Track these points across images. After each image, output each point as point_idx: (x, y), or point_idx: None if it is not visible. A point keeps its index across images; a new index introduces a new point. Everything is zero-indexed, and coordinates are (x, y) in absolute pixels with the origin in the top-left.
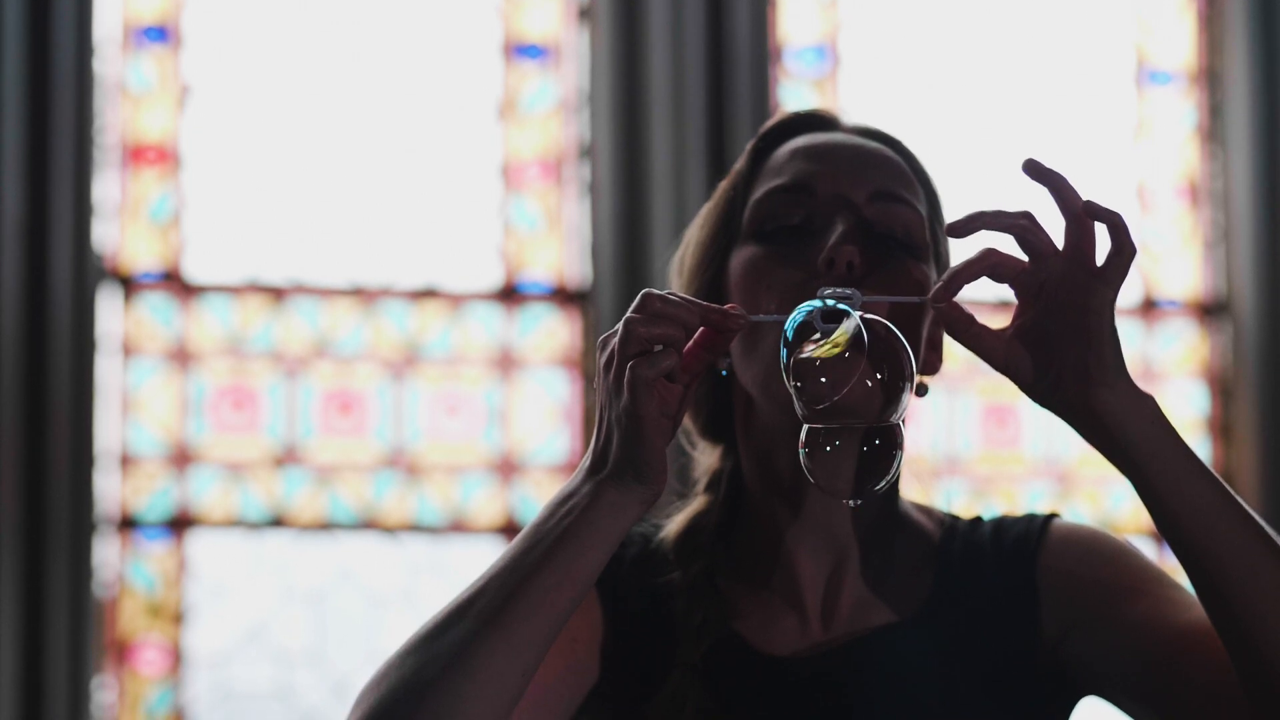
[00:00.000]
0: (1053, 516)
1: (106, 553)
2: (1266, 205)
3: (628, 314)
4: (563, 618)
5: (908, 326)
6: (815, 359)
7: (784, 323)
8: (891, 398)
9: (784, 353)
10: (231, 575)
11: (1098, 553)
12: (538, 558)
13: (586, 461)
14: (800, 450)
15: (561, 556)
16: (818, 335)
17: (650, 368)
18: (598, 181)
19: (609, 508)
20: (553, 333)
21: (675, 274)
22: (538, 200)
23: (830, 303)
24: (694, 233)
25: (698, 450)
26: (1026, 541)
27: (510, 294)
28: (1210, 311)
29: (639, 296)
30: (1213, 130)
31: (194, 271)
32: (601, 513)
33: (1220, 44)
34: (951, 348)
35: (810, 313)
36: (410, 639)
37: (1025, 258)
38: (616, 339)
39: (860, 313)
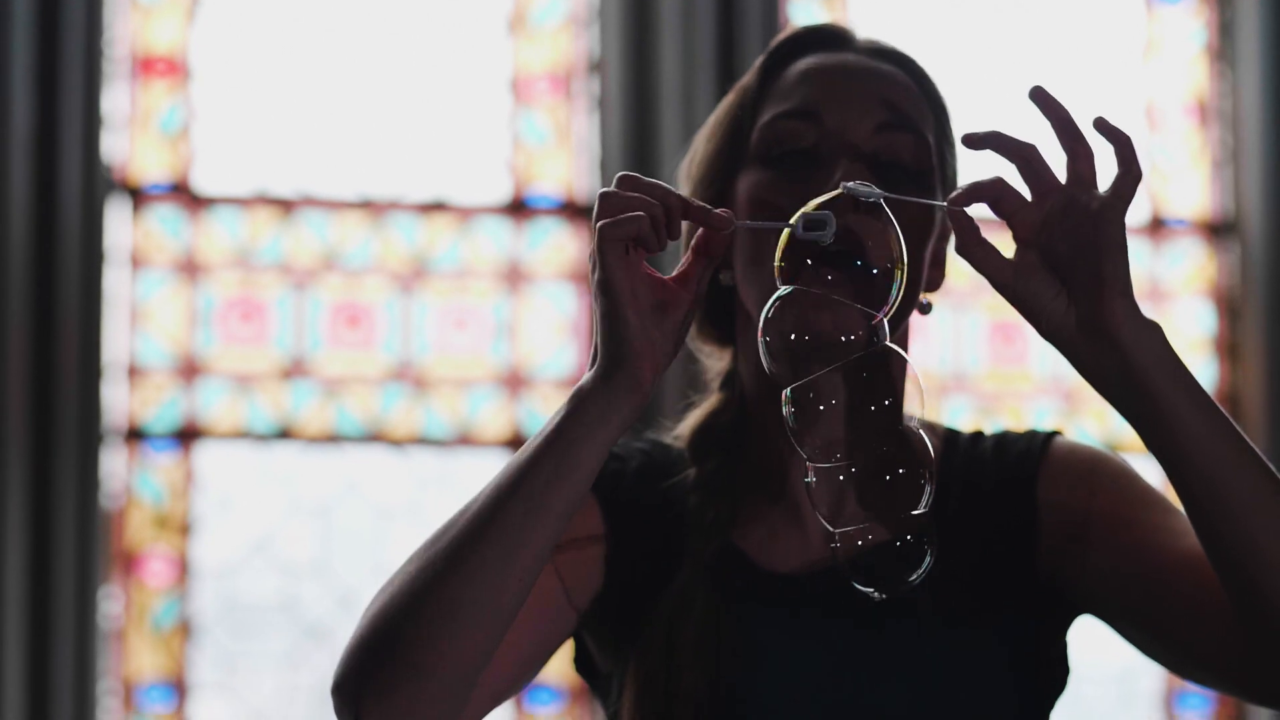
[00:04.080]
0: (1054, 434)
1: (114, 464)
2: (1275, 125)
3: (595, 218)
4: (560, 517)
5: (914, 247)
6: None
7: (777, 230)
8: (882, 298)
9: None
10: (238, 487)
11: (1099, 474)
12: (529, 458)
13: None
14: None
15: (551, 453)
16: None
17: (616, 227)
18: (607, 96)
19: (594, 402)
20: (561, 247)
21: (683, 179)
22: (547, 114)
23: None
24: (701, 144)
25: (704, 354)
26: (1028, 459)
27: (519, 208)
28: (1218, 231)
29: (599, 196)
30: (1222, 49)
31: (203, 183)
32: (588, 405)
33: None
34: (956, 265)
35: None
36: (417, 549)
37: (1027, 190)
38: (594, 247)
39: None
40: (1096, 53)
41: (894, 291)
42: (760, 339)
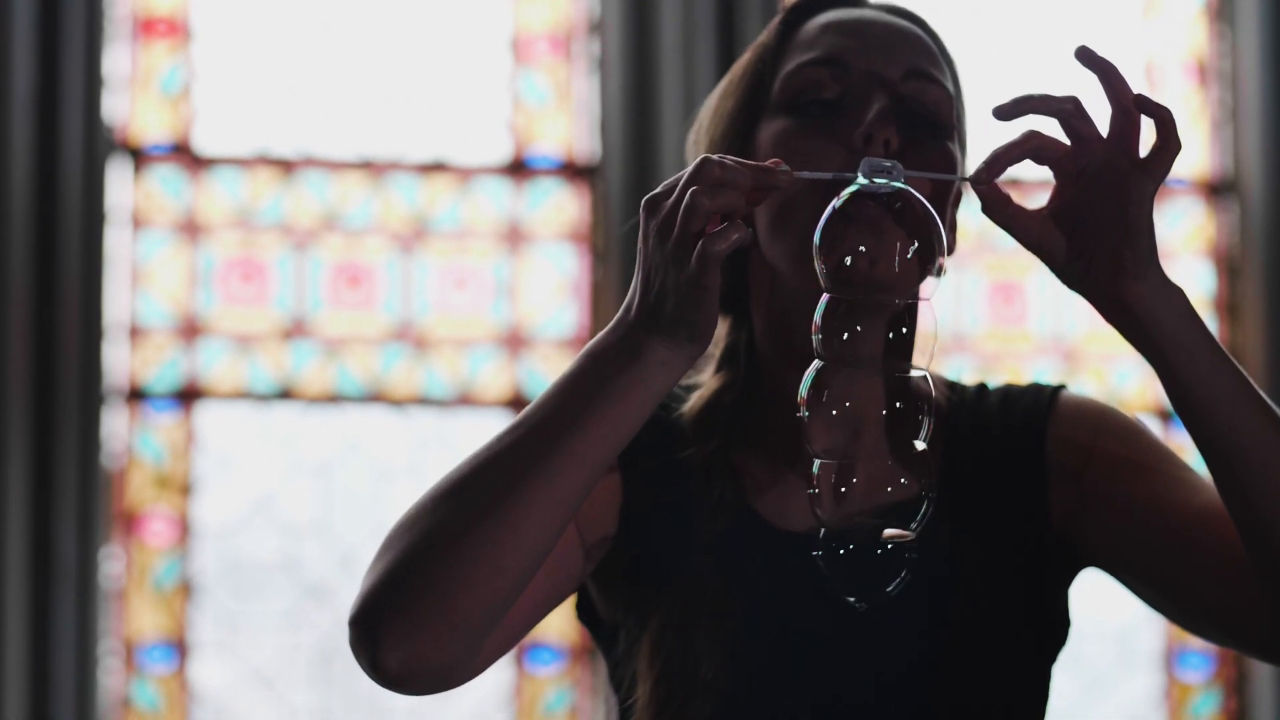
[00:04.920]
0: (1060, 388)
1: (115, 424)
2: (1274, 85)
3: (688, 183)
4: (602, 471)
5: (938, 207)
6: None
7: (825, 183)
8: (920, 274)
9: (821, 224)
10: (239, 447)
11: (1108, 428)
12: (583, 410)
13: (630, 316)
14: (814, 334)
15: (609, 410)
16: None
17: (722, 243)
18: (607, 56)
19: (659, 365)
20: (561, 207)
21: (693, 144)
22: (547, 75)
23: (874, 180)
24: (716, 104)
25: None
26: (1035, 414)
27: (519, 168)
28: (1217, 191)
29: (697, 162)
30: (1221, 9)
31: (204, 144)
32: (652, 369)
33: None
34: (959, 225)
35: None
36: (440, 486)
37: (1069, 142)
38: (680, 210)
39: (901, 185)
40: (1096, 12)
41: (938, 250)
42: (817, 256)
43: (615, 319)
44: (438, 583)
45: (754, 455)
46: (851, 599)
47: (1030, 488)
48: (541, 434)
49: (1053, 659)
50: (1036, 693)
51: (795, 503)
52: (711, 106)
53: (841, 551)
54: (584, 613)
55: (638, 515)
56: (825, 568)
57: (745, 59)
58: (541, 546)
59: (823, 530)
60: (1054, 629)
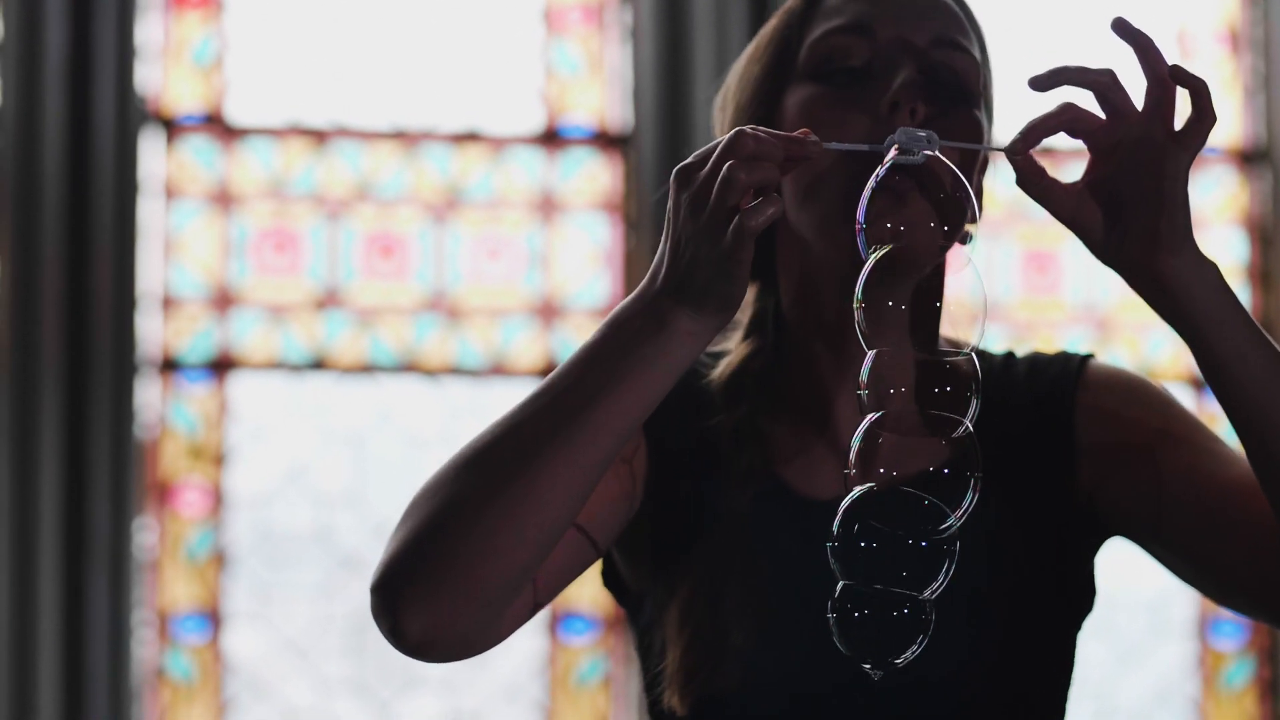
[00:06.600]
0: (1089, 357)
1: (148, 394)
2: None
3: (723, 155)
4: (623, 440)
5: (965, 175)
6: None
7: (858, 153)
8: (948, 245)
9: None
10: (272, 417)
11: (1137, 399)
12: (605, 379)
13: (656, 285)
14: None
15: (632, 379)
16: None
17: (759, 218)
18: (639, 25)
19: (684, 335)
20: (594, 177)
21: (720, 109)
22: (580, 44)
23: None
24: (743, 69)
25: None
26: (1063, 383)
27: (552, 138)
28: (1250, 159)
29: (732, 135)
30: None
31: (236, 114)
32: (676, 339)
33: None
34: (991, 194)
35: (885, 147)
36: (462, 454)
37: (1104, 115)
38: (716, 183)
39: (931, 153)
40: None
41: (966, 222)
42: (857, 306)
43: (640, 288)
44: (458, 551)
45: (780, 422)
46: (866, 665)
47: (1058, 457)
48: (564, 404)
49: (1078, 627)
50: (1063, 660)
51: (820, 470)
52: (738, 72)
53: (857, 615)
54: (610, 579)
55: (664, 483)
56: (838, 630)
57: (772, 24)
58: (563, 517)
59: (839, 587)
60: (1080, 597)
